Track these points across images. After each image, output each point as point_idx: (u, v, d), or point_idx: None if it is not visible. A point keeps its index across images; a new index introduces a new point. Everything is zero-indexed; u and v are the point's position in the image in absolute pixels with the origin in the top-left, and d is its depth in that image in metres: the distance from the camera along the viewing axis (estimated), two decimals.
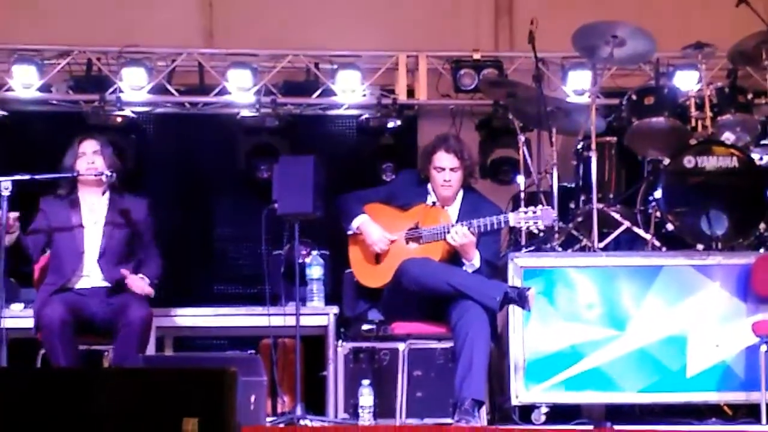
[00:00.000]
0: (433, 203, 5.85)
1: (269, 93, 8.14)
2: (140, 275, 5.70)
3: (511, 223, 5.64)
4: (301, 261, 6.32)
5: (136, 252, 5.84)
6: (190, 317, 6.43)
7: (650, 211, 6.46)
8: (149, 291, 5.64)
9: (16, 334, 5.81)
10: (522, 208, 5.73)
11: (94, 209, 5.78)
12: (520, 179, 6.92)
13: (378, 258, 5.83)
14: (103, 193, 5.78)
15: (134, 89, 8.01)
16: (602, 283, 6.10)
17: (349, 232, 5.89)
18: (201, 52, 8.24)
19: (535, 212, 5.59)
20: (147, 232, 5.87)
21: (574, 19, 6.81)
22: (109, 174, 5.69)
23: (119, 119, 7.92)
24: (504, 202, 6.91)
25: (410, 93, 8.34)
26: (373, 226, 5.82)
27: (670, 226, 6.37)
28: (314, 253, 6.59)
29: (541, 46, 6.71)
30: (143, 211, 5.87)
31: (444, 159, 5.80)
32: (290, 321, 5.86)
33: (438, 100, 8.40)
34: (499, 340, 5.98)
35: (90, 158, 5.74)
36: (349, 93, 8.15)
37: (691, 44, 6.89)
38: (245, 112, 8.08)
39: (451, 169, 5.80)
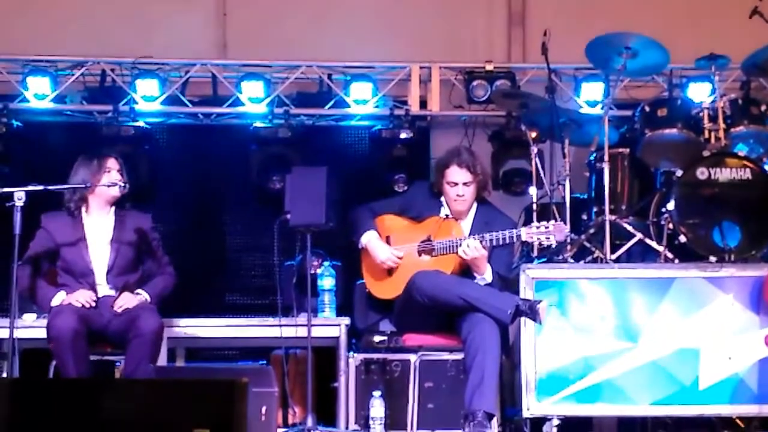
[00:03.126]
0: (446, 216, 5.85)
1: (282, 104, 8.16)
2: (137, 291, 5.73)
3: (524, 238, 5.62)
4: (312, 272, 6.33)
5: (144, 263, 5.89)
6: (201, 328, 6.44)
7: (663, 222, 6.44)
8: (134, 303, 5.66)
9: (28, 345, 5.83)
10: (535, 223, 5.71)
11: (100, 225, 5.81)
12: (533, 190, 6.91)
13: (390, 270, 5.83)
14: (110, 209, 5.82)
15: (148, 100, 8.04)
16: (615, 294, 6.09)
17: (360, 247, 5.90)
18: (214, 63, 8.26)
19: (547, 227, 5.58)
20: (153, 243, 5.92)
21: (587, 31, 6.81)
22: (123, 185, 5.75)
23: (133, 130, 7.93)
24: (516, 214, 6.90)
25: (423, 104, 8.35)
26: (379, 245, 5.82)
27: (682, 238, 6.35)
28: (326, 264, 6.60)
29: (553, 57, 6.71)
30: (147, 225, 5.92)
31: (457, 174, 5.79)
32: (302, 332, 5.87)
33: (451, 111, 8.40)
34: (511, 352, 5.97)
35: (116, 176, 5.79)
36: (362, 104, 8.17)
37: (705, 56, 6.88)
38: (258, 123, 8.09)
39: (464, 184, 5.80)
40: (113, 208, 5.85)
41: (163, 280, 5.89)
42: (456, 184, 5.80)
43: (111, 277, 5.74)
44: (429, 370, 6.19)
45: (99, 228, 5.80)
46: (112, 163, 5.82)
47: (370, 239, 5.86)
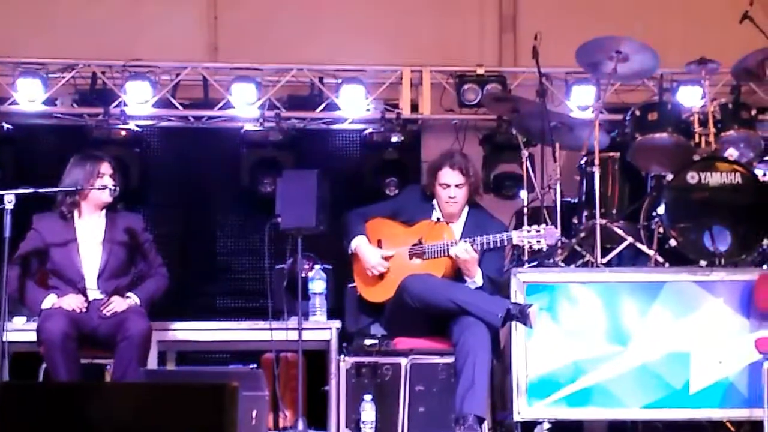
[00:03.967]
0: (438, 219, 5.85)
1: (273, 107, 8.16)
2: (127, 294, 5.72)
3: (515, 241, 5.63)
4: (303, 275, 6.31)
5: (136, 265, 5.87)
6: (192, 331, 6.41)
7: (653, 226, 6.45)
8: (123, 307, 5.65)
9: (18, 348, 5.81)
10: (525, 227, 5.72)
11: (92, 227, 5.79)
12: (524, 194, 6.92)
13: (381, 273, 5.82)
14: (101, 211, 5.81)
15: (138, 103, 8.03)
16: (605, 298, 6.09)
17: (349, 252, 5.89)
18: (205, 66, 8.26)
19: (538, 231, 5.59)
20: (146, 245, 5.90)
21: (578, 35, 6.82)
22: (113, 188, 5.74)
23: (123, 133, 7.94)
24: (507, 217, 6.90)
25: (414, 107, 8.36)
26: (368, 250, 5.82)
27: (673, 242, 6.36)
28: (317, 267, 6.58)
29: (544, 61, 6.72)
30: (139, 226, 5.91)
31: (449, 176, 5.80)
32: (292, 335, 5.85)
33: (442, 114, 8.41)
34: (502, 356, 5.97)
35: (108, 180, 5.77)
36: (353, 107, 8.17)
37: (695, 60, 6.89)
38: (249, 126, 8.09)
39: (456, 186, 5.80)
40: (104, 210, 5.84)
41: (155, 282, 5.88)
42: (448, 185, 5.81)
43: (102, 282, 5.72)
44: (420, 373, 6.17)
45: (90, 230, 5.78)
46: (105, 168, 5.79)
47: (359, 244, 5.86)
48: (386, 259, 5.83)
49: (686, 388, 6.02)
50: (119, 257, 5.79)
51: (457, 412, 5.37)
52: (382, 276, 5.82)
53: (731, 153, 6.64)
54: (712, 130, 6.62)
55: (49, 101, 8.06)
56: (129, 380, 5.28)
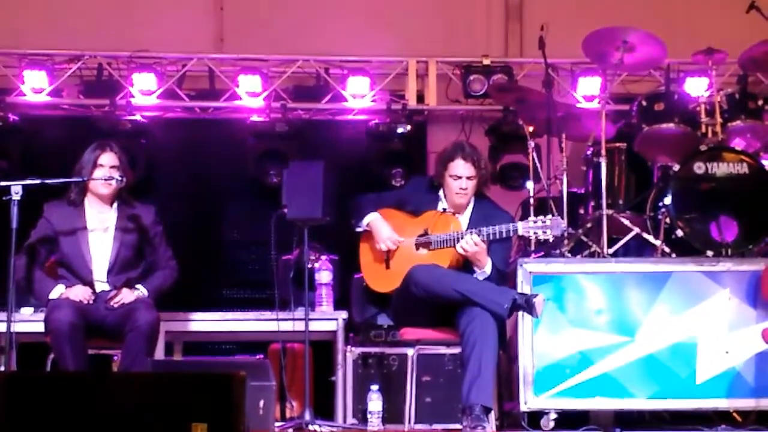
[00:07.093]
0: (444, 210, 5.84)
1: (279, 98, 8.17)
2: (136, 286, 5.72)
3: (521, 232, 5.62)
4: (310, 266, 6.33)
5: (146, 257, 5.87)
6: (199, 322, 6.44)
7: (660, 217, 6.45)
8: (131, 299, 5.65)
9: (26, 338, 5.82)
10: (531, 217, 5.71)
11: (102, 217, 5.79)
12: (530, 185, 6.91)
13: (388, 263, 5.82)
14: (112, 202, 5.80)
15: (144, 94, 8.04)
16: (611, 289, 6.09)
17: (358, 229, 5.87)
18: (211, 57, 8.27)
19: (544, 221, 5.58)
20: (156, 237, 5.89)
21: (584, 25, 6.81)
22: (119, 179, 5.71)
23: (129, 124, 7.95)
24: (513, 208, 6.90)
25: (420, 98, 8.37)
26: (383, 224, 5.81)
27: (679, 232, 6.36)
28: (323, 257, 6.60)
29: (551, 51, 6.70)
30: (151, 217, 5.89)
31: (461, 167, 5.79)
32: (299, 326, 5.87)
33: (448, 105, 8.42)
34: (508, 347, 5.98)
35: (107, 172, 5.73)
36: (359, 98, 8.17)
37: (702, 50, 6.88)
38: (255, 117, 8.10)
39: (468, 178, 5.78)
40: (116, 201, 5.82)
41: (163, 275, 5.87)
42: (460, 177, 5.79)
43: (113, 274, 5.72)
44: (426, 364, 6.19)
45: (101, 221, 5.77)
46: (106, 159, 5.76)
47: (374, 218, 5.82)
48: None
49: (693, 379, 6.02)
50: (130, 249, 5.78)
51: (463, 402, 5.37)
52: (388, 265, 5.82)
53: (738, 143, 6.64)
54: (719, 120, 6.61)
55: (55, 92, 8.07)
56: (136, 370, 5.30)
